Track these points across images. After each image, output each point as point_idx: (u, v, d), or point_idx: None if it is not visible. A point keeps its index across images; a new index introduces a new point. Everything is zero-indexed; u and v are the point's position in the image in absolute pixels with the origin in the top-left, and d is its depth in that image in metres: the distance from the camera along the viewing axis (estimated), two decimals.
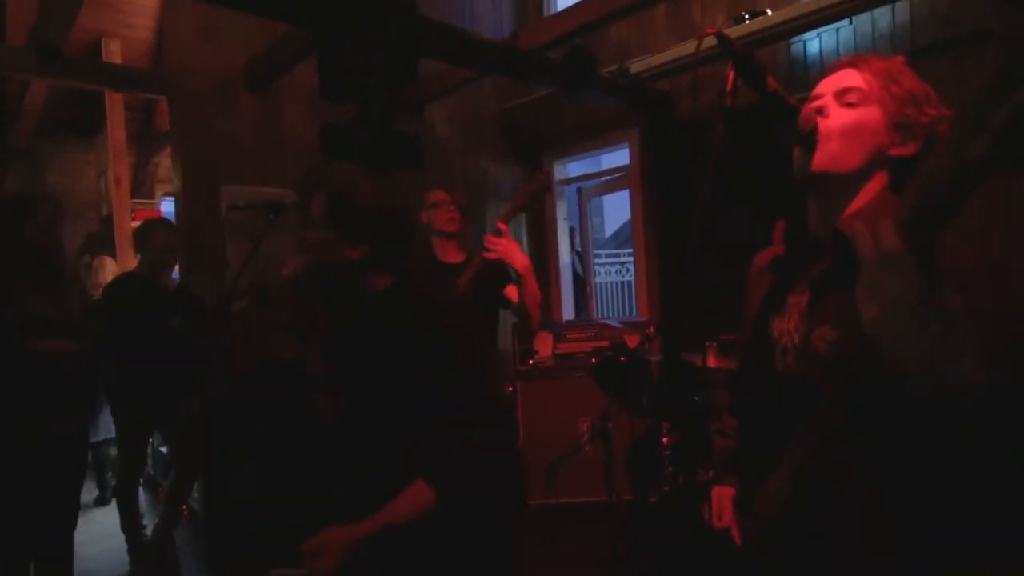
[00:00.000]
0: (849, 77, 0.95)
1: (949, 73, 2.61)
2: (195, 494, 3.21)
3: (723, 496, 1.19)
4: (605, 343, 3.43)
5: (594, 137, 4.36)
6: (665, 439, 2.71)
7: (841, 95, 0.95)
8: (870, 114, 0.93)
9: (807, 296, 0.97)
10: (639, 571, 2.48)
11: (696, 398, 2.49)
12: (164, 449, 3.87)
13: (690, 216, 0.94)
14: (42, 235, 2.14)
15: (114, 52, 4.31)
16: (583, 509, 3.37)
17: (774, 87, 0.93)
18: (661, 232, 3.98)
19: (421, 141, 4.15)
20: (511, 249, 2.28)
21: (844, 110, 0.94)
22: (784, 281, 1.02)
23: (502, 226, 2.29)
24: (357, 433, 1.45)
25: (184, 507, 3.12)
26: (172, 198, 3.53)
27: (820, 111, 0.94)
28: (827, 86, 0.97)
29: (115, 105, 4.45)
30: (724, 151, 0.91)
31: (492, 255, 2.26)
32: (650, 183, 4.02)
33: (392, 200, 1.37)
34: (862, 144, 0.93)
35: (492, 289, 2.41)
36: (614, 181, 4.58)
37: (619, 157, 4.48)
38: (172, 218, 3.53)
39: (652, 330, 3.07)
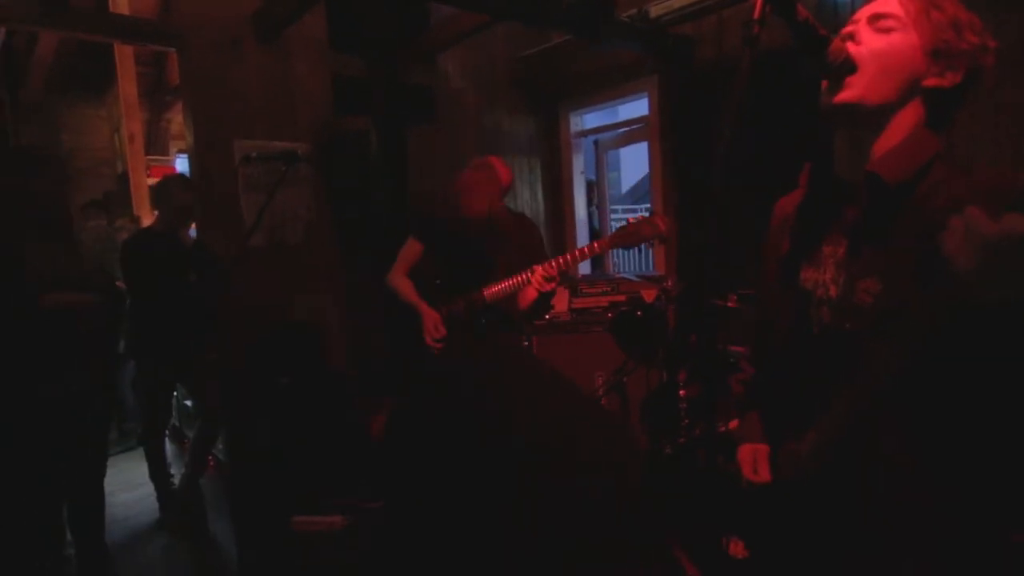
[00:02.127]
0: (886, 4, 0.89)
1: (985, 13, 2.46)
2: (220, 445, 3.30)
3: (759, 452, 1.17)
4: (622, 298, 3.41)
5: (612, 86, 4.23)
6: (682, 391, 2.72)
7: (875, 20, 0.88)
8: (906, 40, 0.86)
9: (844, 245, 0.92)
10: (653, 519, 2.51)
11: (716, 347, 2.47)
12: (188, 402, 3.97)
13: (711, 168, 0.89)
14: (51, 192, 2.14)
15: (121, 4, 4.24)
16: None
17: (804, 15, 0.87)
18: (681, 185, 3.89)
19: (434, 93, 4.08)
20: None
21: (878, 35, 0.88)
22: (815, 227, 0.98)
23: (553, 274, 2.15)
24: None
25: (210, 457, 3.21)
26: (186, 154, 3.51)
27: (852, 36, 0.88)
28: (862, 13, 0.91)
29: (125, 59, 4.40)
30: (750, 86, 0.85)
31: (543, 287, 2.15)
32: (670, 134, 3.91)
33: None
34: (897, 72, 0.87)
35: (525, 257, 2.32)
36: (632, 132, 4.47)
37: (637, 107, 4.34)
38: (187, 174, 3.52)
39: (670, 284, 3.03)
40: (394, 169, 2.77)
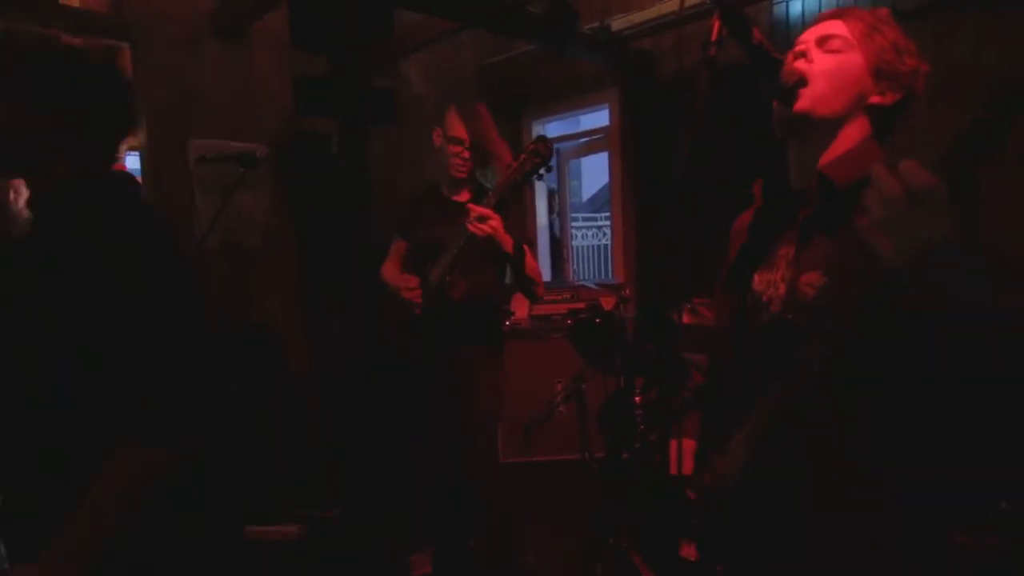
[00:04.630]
0: (832, 26, 0.94)
1: (928, 38, 2.61)
2: None
3: (685, 447, 1.21)
4: (581, 305, 3.46)
5: (574, 97, 4.30)
6: (637, 397, 2.77)
7: (823, 42, 0.94)
8: (852, 59, 0.92)
9: (795, 245, 0.97)
10: (609, 521, 2.56)
11: (671, 355, 2.53)
12: None
13: (669, 180, 0.92)
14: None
15: None
16: (557, 467, 3.45)
17: (759, 39, 0.91)
18: (639, 195, 3.98)
19: (396, 96, 4.06)
20: (500, 230, 2.05)
21: (827, 55, 0.93)
22: (768, 234, 1.02)
23: (487, 212, 2.03)
24: None
25: None
26: (136, 153, 3.40)
27: (803, 54, 0.93)
28: (810, 34, 0.96)
29: None
30: (706, 105, 0.89)
31: (480, 233, 2.02)
32: (629, 145, 4.00)
33: None
34: (845, 88, 0.92)
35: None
36: (593, 142, 4.54)
37: (598, 118, 4.42)
38: (137, 174, 3.40)
39: (628, 292, 3.09)
40: (357, 171, 2.75)
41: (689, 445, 1.23)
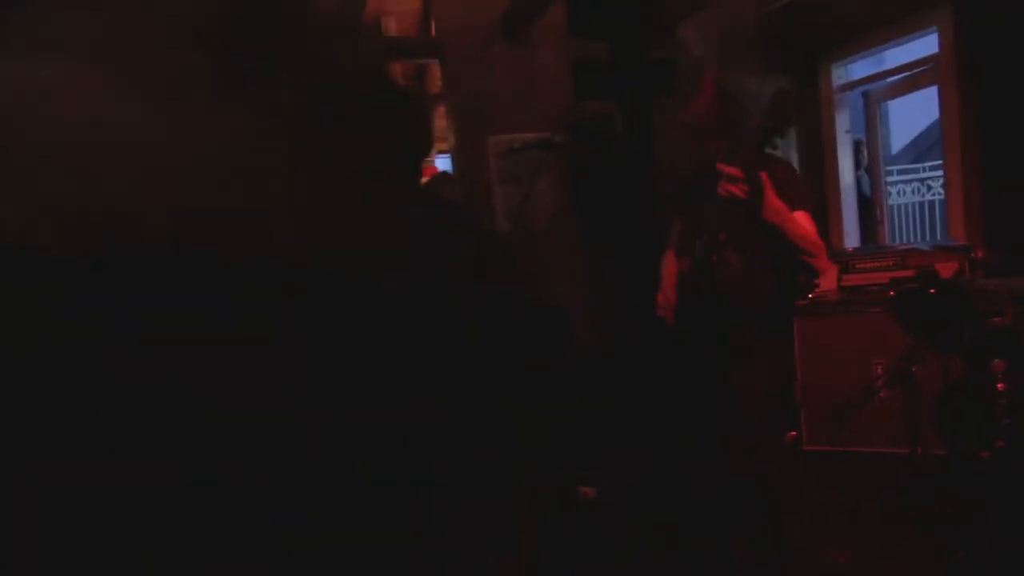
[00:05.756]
0: None
1: None
2: None
3: None
4: (909, 272, 2.91)
5: (885, 27, 3.62)
6: (1000, 385, 2.22)
7: None
8: None
9: None
10: (935, 531, 2.12)
11: None
12: None
13: None
14: None
15: (391, 28, 4.86)
16: (873, 460, 2.99)
17: None
18: (987, 135, 3.17)
19: (675, 65, 3.92)
20: (756, 193, 1.74)
21: None
22: None
23: (735, 172, 1.74)
24: None
25: None
26: (446, 154, 3.90)
27: None
28: None
29: (395, 75, 5.05)
30: None
31: (729, 196, 1.74)
32: (969, 74, 3.21)
33: None
34: None
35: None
36: (916, 77, 3.77)
37: (913, 50, 3.67)
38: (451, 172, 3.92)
39: (980, 254, 2.50)
40: (640, 149, 2.74)
41: None
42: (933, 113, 3.87)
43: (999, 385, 2.21)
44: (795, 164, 4.22)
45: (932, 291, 2.65)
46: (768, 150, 1.88)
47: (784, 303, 2.26)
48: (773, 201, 1.79)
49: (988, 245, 3.03)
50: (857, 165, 4.15)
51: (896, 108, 8.12)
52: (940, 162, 4.20)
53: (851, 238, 4.08)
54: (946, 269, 2.80)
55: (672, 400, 2.25)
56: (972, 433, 2.27)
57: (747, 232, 1.89)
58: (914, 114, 6.57)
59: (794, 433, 3.22)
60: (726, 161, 1.81)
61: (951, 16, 3.27)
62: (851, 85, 4.07)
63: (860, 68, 4.14)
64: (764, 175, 1.76)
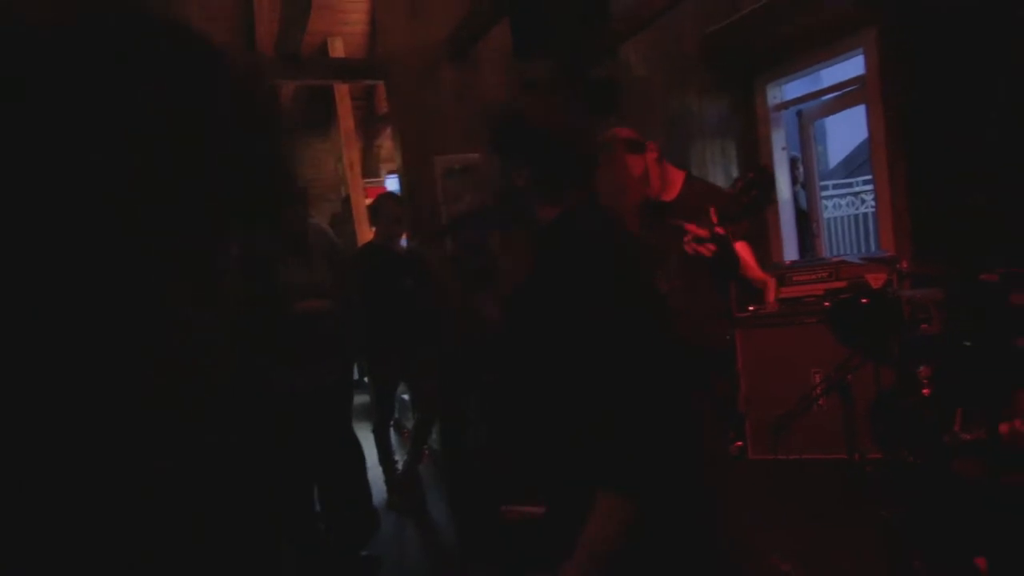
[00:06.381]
0: None
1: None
2: (434, 436, 3.60)
3: None
4: (842, 283, 3.02)
5: (816, 49, 3.79)
6: (926, 390, 2.32)
7: None
8: None
9: None
10: (874, 530, 2.19)
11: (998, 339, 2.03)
12: (406, 396, 4.40)
13: (951, 127, 0.72)
14: (299, 217, 2.51)
15: (338, 48, 4.84)
16: (814, 466, 3.07)
17: None
18: (911, 150, 3.34)
19: (616, 85, 4.01)
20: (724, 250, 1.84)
21: None
22: None
23: (704, 234, 1.83)
24: (524, 396, 1.27)
25: (425, 448, 3.52)
26: (395, 175, 3.89)
27: None
28: None
29: (343, 96, 5.01)
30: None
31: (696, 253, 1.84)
32: (893, 93, 3.38)
33: (564, 120, 1.15)
34: None
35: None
36: (845, 97, 3.96)
37: (845, 70, 3.85)
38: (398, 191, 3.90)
39: (905, 265, 2.61)
40: None
41: None
42: (865, 130, 4.06)
43: (924, 391, 2.30)
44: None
45: (864, 301, 2.76)
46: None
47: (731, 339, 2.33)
48: (741, 253, 1.93)
49: (915, 256, 3.18)
50: (794, 180, 4.31)
51: (832, 124, 8.50)
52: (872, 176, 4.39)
53: (790, 251, 4.22)
54: (876, 280, 2.92)
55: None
56: (901, 438, 2.35)
57: (698, 280, 1.99)
58: (849, 130, 6.86)
59: (740, 443, 3.29)
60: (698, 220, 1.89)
61: (876, 39, 3.45)
62: (786, 104, 4.23)
63: (795, 88, 4.32)
64: (727, 231, 1.85)
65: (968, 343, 2.00)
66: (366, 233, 5.04)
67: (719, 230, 1.81)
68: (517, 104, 1.20)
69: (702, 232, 1.84)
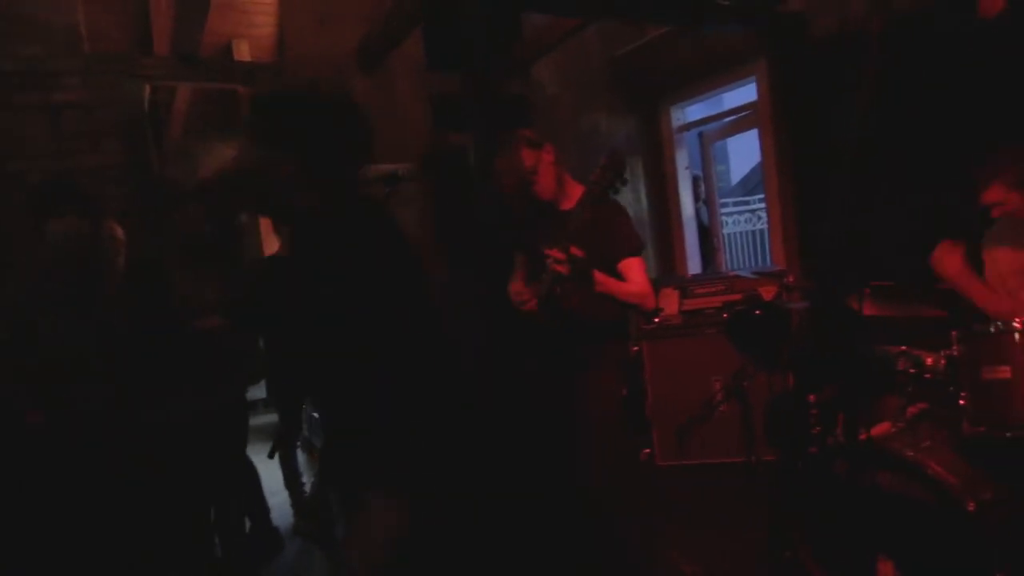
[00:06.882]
0: None
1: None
2: None
3: None
4: (737, 296, 3.21)
5: (715, 75, 4.02)
6: (811, 396, 2.49)
7: None
8: None
9: None
10: (777, 532, 2.33)
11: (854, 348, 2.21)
12: (316, 414, 4.23)
13: (832, 152, 0.79)
14: (194, 223, 2.36)
15: (243, 52, 4.62)
16: (717, 470, 3.23)
17: None
18: (798, 172, 3.61)
19: (528, 101, 4.09)
20: (578, 268, 1.93)
21: None
22: None
23: (558, 255, 1.91)
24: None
25: None
26: None
27: None
28: None
29: (247, 101, 4.80)
30: (882, 56, 0.75)
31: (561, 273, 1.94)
32: (782, 119, 3.65)
33: (328, 110, 1.23)
34: None
35: (604, 253, 2.13)
36: (740, 121, 4.22)
37: (743, 95, 4.11)
38: None
39: (791, 279, 2.81)
40: (492, 181, 2.80)
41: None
42: None
43: (810, 397, 2.47)
44: (642, 198, 4.54)
45: (757, 312, 2.94)
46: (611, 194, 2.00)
47: (622, 319, 2.40)
48: (596, 276, 2.01)
49: (802, 270, 3.43)
50: (696, 198, 4.54)
51: (734, 145, 9.01)
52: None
53: (693, 264, 4.44)
54: (768, 292, 3.12)
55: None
56: (790, 442, 2.51)
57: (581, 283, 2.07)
58: (748, 151, 7.35)
59: (648, 450, 3.39)
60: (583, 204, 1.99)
61: (766, 68, 3.71)
62: (689, 126, 4.47)
63: (697, 110, 4.57)
64: (583, 254, 1.92)
65: (830, 353, 2.19)
66: (273, 245, 4.83)
67: (575, 251, 1.90)
68: (282, 93, 1.27)
69: (559, 255, 1.93)
